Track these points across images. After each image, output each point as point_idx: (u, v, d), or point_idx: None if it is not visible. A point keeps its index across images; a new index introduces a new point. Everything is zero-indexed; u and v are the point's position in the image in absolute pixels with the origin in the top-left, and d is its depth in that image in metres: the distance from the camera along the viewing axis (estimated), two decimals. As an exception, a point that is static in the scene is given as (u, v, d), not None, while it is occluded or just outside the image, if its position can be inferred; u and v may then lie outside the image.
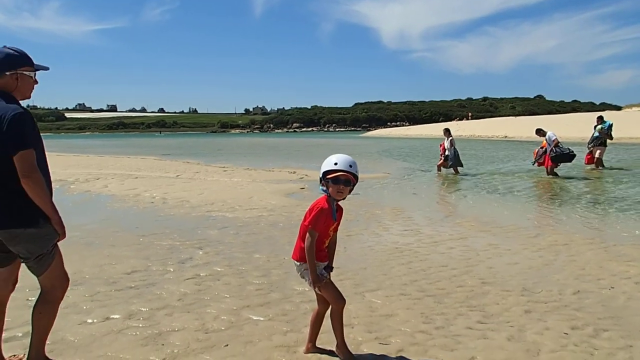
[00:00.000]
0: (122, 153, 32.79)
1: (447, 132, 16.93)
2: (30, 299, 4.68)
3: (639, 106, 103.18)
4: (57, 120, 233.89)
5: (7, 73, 3.09)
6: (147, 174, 17.46)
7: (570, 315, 4.31)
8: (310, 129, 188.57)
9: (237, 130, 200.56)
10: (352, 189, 3.44)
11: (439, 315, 4.30)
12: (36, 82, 3.27)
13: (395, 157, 27.27)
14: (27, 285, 5.05)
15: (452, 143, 16.49)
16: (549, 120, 62.55)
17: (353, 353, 3.52)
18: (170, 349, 3.66)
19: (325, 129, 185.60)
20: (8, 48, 3.13)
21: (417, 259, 6.12)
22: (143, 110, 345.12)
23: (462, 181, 14.63)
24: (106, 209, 10.10)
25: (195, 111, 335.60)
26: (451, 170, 16.48)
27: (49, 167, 3.27)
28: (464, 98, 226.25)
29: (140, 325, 4.11)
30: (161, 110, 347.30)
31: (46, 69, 3.34)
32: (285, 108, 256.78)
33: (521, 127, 53.40)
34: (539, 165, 15.61)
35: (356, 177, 3.38)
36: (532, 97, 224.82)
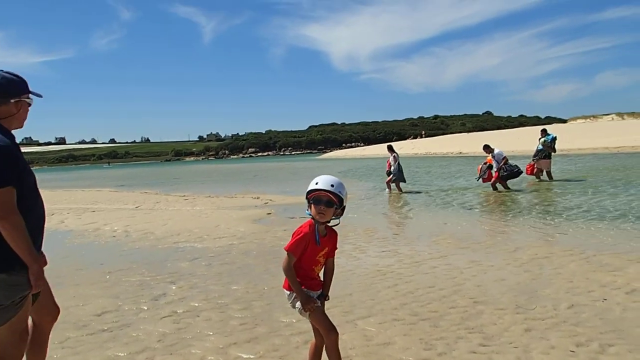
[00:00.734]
0: (74, 186, 31.60)
1: (390, 149, 17.57)
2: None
3: (583, 118, 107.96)
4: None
5: (12, 100, 2.81)
6: (104, 207, 16.76)
7: (571, 331, 4.19)
8: (266, 153, 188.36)
9: (192, 158, 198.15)
10: (340, 212, 3.20)
11: (438, 340, 4.10)
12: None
13: (355, 177, 27.28)
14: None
15: (395, 159, 16.88)
16: (499, 135, 64.45)
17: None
18: (157, 399, 3.32)
19: (282, 153, 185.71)
20: (7, 73, 2.83)
21: (402, 280, 5.93)
22: (93, 141, 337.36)
23: (427, 198, 14.64)
24: (65, 245, 9.52)
25: (147, 140, 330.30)
26: (411, 187, 16.56)
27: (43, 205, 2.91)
28: (415, 117, 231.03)
29: (120, 373, 3.74)
30: (112, 140, 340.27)
31: (40, 96, 3.02)
32: (240, 133, 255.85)
33: (474, 143, 54.58)
34: (484, 181, 15.94)
35: (339, 198, 3.14)
36: (480, 113, 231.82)
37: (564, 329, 4.22)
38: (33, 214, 2.78)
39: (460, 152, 50.58)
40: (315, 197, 3.12)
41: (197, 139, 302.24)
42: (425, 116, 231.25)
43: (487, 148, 16.00)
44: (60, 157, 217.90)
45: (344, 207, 3.21)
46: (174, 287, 6.06)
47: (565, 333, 4.14)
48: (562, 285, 5.46)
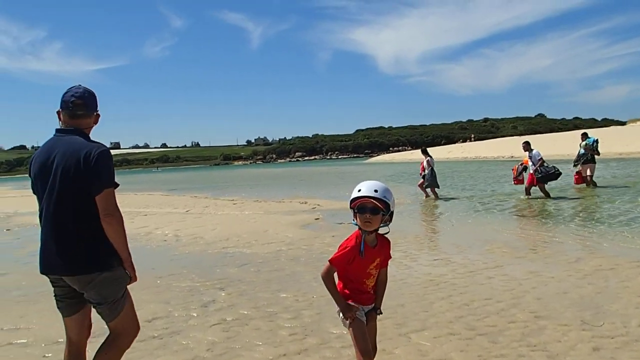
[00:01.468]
0: (127, 190, 32.46)
1: (424, 152, 17.07)
2: (46, 355, 4.29)
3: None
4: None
5: (95, 113, 3.11)
6: (156, 211, 17.10)
7: (644, 351, 3.88)
8: (312, 157, 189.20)
9: (240, 162, 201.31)
10: (388, 218, 3.02)
11: (498, 358, 3.87)
12: None
13: (402, 182, 26.91)
14: (41, 339, 4.68)
15: (429, 163, 16.38)
16: (553, 139, 62.37)
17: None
18: (206, 412, 3.25)
19: (328, 157, 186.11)
20: (85, 87, 3.09)
21: (457, 292, 5.69)
22: (146, 146, 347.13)
23: (475, 204, 14.21)
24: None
25: (197, 144, 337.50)
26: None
27: None
28: (464, 120, 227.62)
29: (170, 383, 3.69)
30: (164, 145, 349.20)
31: None
32: (287, 138, 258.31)
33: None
34: (516, 183, 15.12)
35: (385, 204, 2.96)
36: (533, 116, 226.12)
37: (637, 349, 3.91)
38: None
39: (512, 156, 49.18)
40: (359, 205, 2.96)
41: (245, 143, 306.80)
42: (475, 119, 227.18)
43: (526, 145, 15.06)
44: (115, 162, 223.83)
45: (392, 213, 3.04)
46: (223, 294, 6.03)
47: (639, 353, 3.83)
48: (631, 299, 5.11)
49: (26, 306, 5.81)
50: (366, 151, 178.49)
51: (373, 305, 3.20)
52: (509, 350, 4.00)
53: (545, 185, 14.49)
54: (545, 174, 14.32)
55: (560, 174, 14.59)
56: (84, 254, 2.85)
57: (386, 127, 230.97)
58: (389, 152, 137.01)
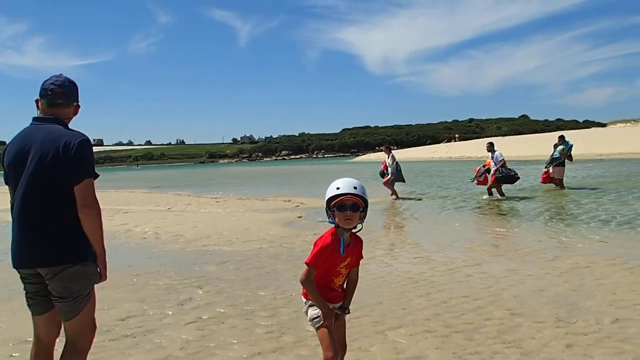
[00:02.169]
0: (109, 187, 32.12)
1: (387, 149, 17.16)
2: (13, 354, 4.20)
3: (623, 122, 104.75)
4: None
5: (74, 104, 3.03)
6: (137, 208, 16.93)
7: (617, 347, 3.90)
8: (298, 156, 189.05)
9: (226, 160, 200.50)
10: (364, 214, 3.00)
11: (473, 355, 3.87)
12: None
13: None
14: (9, 338, 4.59)
15: (393, 159, 16.46)
16: (535, 139, 62.98)
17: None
18: (176, 411, 3.20)
19: (314, 156, 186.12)
20: (67, 77, 3.03)
21: (435, 289, 5.70)
22: (130, 143, 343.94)
23: (458, 203, 14.28)
24: (96, 246, 9.57)
25: (182, 142, 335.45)
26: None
27: None
28: (450, 120, 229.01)
29: (140, 381, 3.63)
30: (148, 142, 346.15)
31: None
32: (273, 136, 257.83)
33: (509, 147, 53.47)
34: (478, 184, 15.40)
35: (365, 200, 2.96)
36: (516, 117, 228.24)
37: (609, 346, 3.94)
38: None
39: (496, 156, 49.57)
40: (339, 203, 2.91)
41: (231, 142, 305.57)
42: (460, 120, 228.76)
43: (490, 146, 15.25)
44: (97, 159, 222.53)
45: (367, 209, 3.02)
46: (200, 292, 5.97)
47: (610, 350, 3.86)
48: (605, 297, 5.14)
49: (-2, 304, 5.70)
50: (352, 150, 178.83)
51: (341, 303, 3.16)
52: (484, 348, 4.00)
53: (502, 187, 14.75)
54: (506, 175, 14.54)
55: (519, 178, 14.90)
56: (56, 244, 2.75)
57: (372, 126, 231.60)
58: (375, 152, 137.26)
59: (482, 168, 15.22)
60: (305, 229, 10.53)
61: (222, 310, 5.22)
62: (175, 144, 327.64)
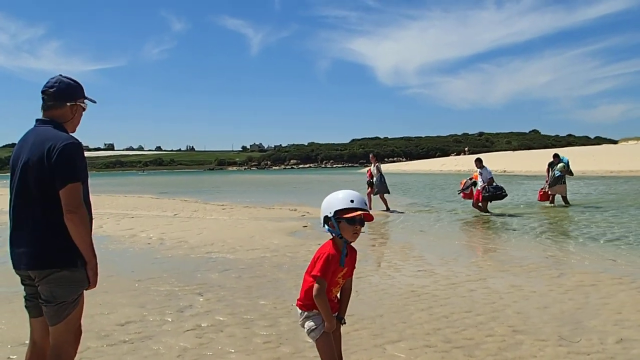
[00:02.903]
0: (118, 192, 32.31)
1: (373, 157, 17.03)
2: (11, 357, 4.19)
3: (635, 139, 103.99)
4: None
5: (68, 104, 2.93)
6: (144, 213, 16.98)
7: (620, 369, 3.83)
8: (307, 165, 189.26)
9: (235, 168, 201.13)
10: None
11: (472, 372, 3.81)
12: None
13: (395, 193, 26.84)
14: (8, 340, 4.58)
15: (378, 169, 16.29)
16: (546, 154, 62.59)
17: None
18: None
19: (323, 165, 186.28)
20: (65, 77, 2.97)
21: (437, 303, 5.64)
22: (140, 148, 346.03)
23: (465, 217, 14.19)
24: (100, 250, 9.46)
25: (192, 149, 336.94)
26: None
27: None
28: (459, 133, 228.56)
29: (135, 388, 3.61)
30: (158, 148, 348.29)
31: (94, 101, 3.14)
32: (283, 145, 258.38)
33: (519, 161, 53.41)
34: (464, 197, 15.24)
35: (370, 216, 3.04)
36: (527, 131, 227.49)
37: (612, 367, 3.87)
38: (88, 211, 2.88)
39: (505, 171, 49.36)
40: (350, 217, 2.93)
41: (241, 149, 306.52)
42: (470, 133, 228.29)
43: (478, 162, 15.08)
44: (108, 163, 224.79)
45: None
46: (201, 299, 5.94)
47: (614, 371, 3.79)
48: (610, 316, 5.06)
49: (-2, 306, 5.71)
50: (361, 161, 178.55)
51: (337, 314, 3.13)
52: (483, 365, 3.94)
53: (488, 204, 14.60)
54: (493, 193, 14.40)
55: (506, 195, 14.81)
56: (43, 248, 2.74)
57: (382, 137, 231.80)
58: (383, 163, 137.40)
59: (469, 181, 15.09)
60: (310, 239, 10.48)
61: (222, 319, 5.19)
62: (185, 150, 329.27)
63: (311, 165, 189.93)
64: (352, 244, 3.09)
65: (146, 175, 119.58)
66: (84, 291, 2.90)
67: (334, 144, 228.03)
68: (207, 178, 72.79)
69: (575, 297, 5.78)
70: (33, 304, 2.90)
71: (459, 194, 15.65)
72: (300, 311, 3.09)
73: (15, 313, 5.28)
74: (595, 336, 4.51)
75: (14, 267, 2.87)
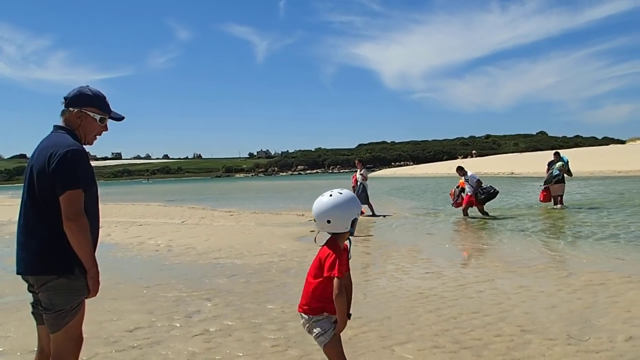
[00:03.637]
0: (125, 200, 32.47)
1: (359, 163, 16.59)
2: (21, 364, 4.22)
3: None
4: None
5: (71, 109, 2.93)
6: (151, 221, 17.05)
7: (630, 367, 3.80)
8: (314, 171, 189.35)
9: (242, 175, 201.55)
10: None
11: (480, 372, 3.80)
12: (105, 128, 3.08)
13: (403, 196, 26.86)
14: (17, 347, 4.62)
15: (364, 176, 15.98)
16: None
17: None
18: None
19: (330, 171, 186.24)
20: (86, 87, 3.01)
21: (445, 305, 5.62)
22: (148, 157, 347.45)
23: (470, 220, 14.14)
24: (109, 258, 9.62)
25: (199, 156, 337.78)
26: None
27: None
28: (466, 136, 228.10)
29: (144, 393, 3.62)
30: (166, 156, 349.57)
31: (120, 118, 3.15)
32: (289, 151, 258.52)
33: (526, 163, 53.14)
34: (456, 206, 15.08)
35: None
36: (534, 133, 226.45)
37: (622, 365, 3.84)
38: (92, 224, 2.85)
39: (512, 173, 49.21)
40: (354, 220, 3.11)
41: (247, 156, 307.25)
42: (477, 136, 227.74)
43: (460, 170, 15.00)
44: (116, 172, 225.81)
45: None
46: (209, 304, 5.96)
47: (623, 369, 3.76)
48: (619, 315, 5.03)
49: (7, 314, 5.75)
50: (368, 165, 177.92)
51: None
52: (492, 365, 3.93)
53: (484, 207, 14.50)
54: (487, 194, 14.28)
55: (498, 192, 14.69)
56: (44, 254, 2.74)
57: (389, 142, 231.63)
58: (390, 167, 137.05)
59: (457, 190, 14.99)
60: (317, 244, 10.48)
61: (230, 323, 5.21)
62: (192, 158, 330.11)
63: (318, 170, 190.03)
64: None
65: (151, 183, 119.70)
66: (86, 299, 2.88)
67: (340, 149, 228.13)
68: (214, 185, 72.97)
69: (584, 296, 5.75)
70: (37, 310, 2.91)
71: (452, 205, 15.40)
72: (307, 316, 3.09)
73: (23, 321, 5.31)
74: (605, 334, 4.49)
75: (17, 272, 2.89)
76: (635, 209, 14.67)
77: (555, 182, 15.65)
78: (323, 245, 3.13)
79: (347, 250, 3.11)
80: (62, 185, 2.70)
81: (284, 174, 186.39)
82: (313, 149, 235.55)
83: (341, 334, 3.09)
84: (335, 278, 2.94)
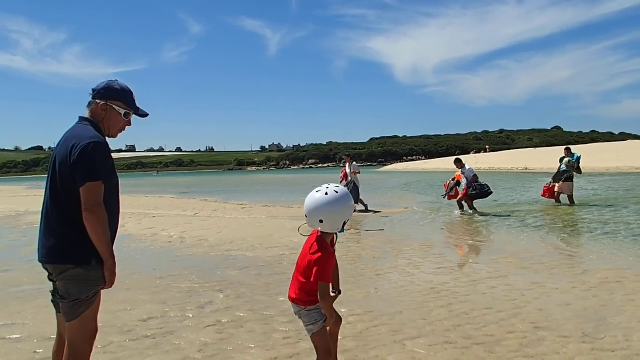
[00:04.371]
0: (138, 192, 32.68)
1: (348, 157, 16.24)
2: (37, 351, 4.27)
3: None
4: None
5: (98, 101, 2.96)
6: (164, 213, 17.15)
7: (645, 366, 3.76)
8: (326, 164, 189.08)
9: (254, 168, 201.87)
10: None
11: (493, 368, 3.78)
12: (129, 123, 3.10)
13: (415, 191, 26.75)
14: (34, 335, 4.67)
15: (354, 171, 15.55)
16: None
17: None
18: (190, 413, 3.19)
19: (342, 165, 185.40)
20: (115, 81, 3.03)
21: (457, 300, 5.60)
22: (161, 149, 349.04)
23: (486, 214, 14.05)
24: (123, 249, 9.69)
25: (212, 149, 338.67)
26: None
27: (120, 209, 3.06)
28: (479, 131, 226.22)
29: (157, 382, 3.65)
30: (179, 149, 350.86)
31: (145, 115, 3.17)
32: (301, 144, 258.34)
33: (541, 159, 52.63)
34: (449, 199, 14.91)
35: None
36: (549, 128, 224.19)
37: (637, 364, 3.80)
38: (112, 216, 2.89)
39: (526, 168, 48.83)
40: None
41: (259, 149, 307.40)
42: (490, 130, 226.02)
43: (458, 162, 14.83)
44: (130, 165, 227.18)
45: None
46: (221, 296, 5.99)
47: (639, 368, 3.72)
48: (635, 313, 4.97)
49: (24, 302, 5.81)
50: (380, 160, 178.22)
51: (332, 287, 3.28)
52: (505, 361, 3.90)
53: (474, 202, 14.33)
54: (480, 191, 14.09)
55: (492, 193, 14.48)
56: (62, 244, 2.77)
57: (400, 136, 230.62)
58: (402, 161, 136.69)
59: (452, 182, 14.82)
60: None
61: (242, 315, 5.23)
62: (204, 151, 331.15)
63: (330, 164, 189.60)
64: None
65: (160, 176, 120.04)
66: (102, 290, 2.91)
67: (352, 143, 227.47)
68: (226, 178, 73.23)
69: (599, 294, 5.69)
70: (56, 298, 2.93)
71: (444, 197, 15.26)
72: (299, 307, 3.17)
73: (40, 309, 5.38)
74: (620, 333, 4.44)
75: (38, 260, 2.92)
76: (651, 206, 14.48)
77: (565, 180, 15.26)
78: (311, 239, 3.21)
79: (333, 245, 3.23)
80: (82, 177, 2.71)
81: (296, 167, 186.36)
82: (325, 143, 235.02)
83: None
84: (322, 284, 3.01)
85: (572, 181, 15.39)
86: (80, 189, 2.72)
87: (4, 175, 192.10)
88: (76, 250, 2.76)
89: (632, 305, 5.24)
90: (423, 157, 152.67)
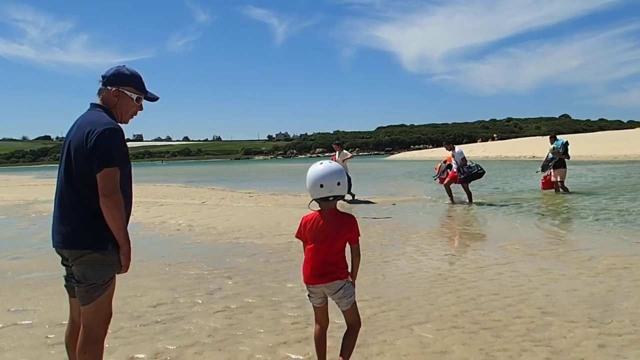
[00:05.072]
0: (146, 181, 32.82)
1: (337, 145, 15.94)
2: (49, 336, 4.34)
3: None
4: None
5: (109, 88, 2.98)
6: (172, 201, 17.25)
7: (652, 350, 3.77)
8: (333, 153, 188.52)
9: (261, 157, 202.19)
10: None
11: (500, 352, 3.81)
12: (140, 108, 3.16)
13: (420, 179, 26.73)
14: (45, 321, 4.75)
15: (343, 158, 15.31)
16: (577, 139, 61.35)
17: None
18: (201, 395, 3.24)
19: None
20: (124, 67, 3.06)
21: (465, 286, 5.62)
22: (168, 139, 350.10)
23: (492, 202, 14.03)
24: (132, 237, 9.65)
25: (219, 139, 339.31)
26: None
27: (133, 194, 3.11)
28: (487, 119, 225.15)
29: (167, 366, 3.70)
30: (186, 138, 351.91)
31: (155, 99, 3.23)
32: (308, 133, 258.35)
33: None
34: (440, 182, 14.77)
35: None
36: (557, 116, 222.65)
37: (644, 348, 3.82)
38: (126, 197, 2.92)
39: (534, 156, 48.56)
40: None
41: (267, 138, 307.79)
42: (498, 119, 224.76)
43: (448, 145, 14.72)
44: (137, 154, 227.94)
45: None
46: (230, 282, 6.04)
47: (645, 352, 3.74)
48: (642, 299, 4.98)
49: (34, 289, 5.89)
50: (387, 148, 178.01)
51: None
52: (512, 345, 3.93)
53: (469, 185, 14.20)
54: (469, 174, 13.89)
55: (484, 172, 14.18)
56: (78, 229, 2.80)
57: (408, 125, 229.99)
58: (409, 150, 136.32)
59: (444, 164, 14.69)
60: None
61: (250, 301, 5.28)
62: (212, 140, 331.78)
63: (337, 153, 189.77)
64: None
65: (165, 165, 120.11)
66: (116, 275, 2.95)
67: (359, 132, 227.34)
68: (233, 167, 73.41)
69: (606, 279, 5.70)
70: (70, 284, 2.97)
71: (435, 179, 15.15)
72: (341, 282, 3.24)
73: (51, 295, 5.45)
74: (627, 318, 4.45)
75: (52, 245, 2.96)
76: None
77: (554, 167, 15.15)
78: (316, 219, 3.34)
79: None
80: (99, 163, 2.74)
81: (303, 156, 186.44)
82: (332, 132, 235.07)
83: (360, 313, 3.41)
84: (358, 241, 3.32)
85: (564, 167, 15.29)
86: (97, 175, 2.74)
87: (12, 165, 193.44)
88: (94, 235, 2.79)
89: (639, 290, 5.25)
90: (430, 146, 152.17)
